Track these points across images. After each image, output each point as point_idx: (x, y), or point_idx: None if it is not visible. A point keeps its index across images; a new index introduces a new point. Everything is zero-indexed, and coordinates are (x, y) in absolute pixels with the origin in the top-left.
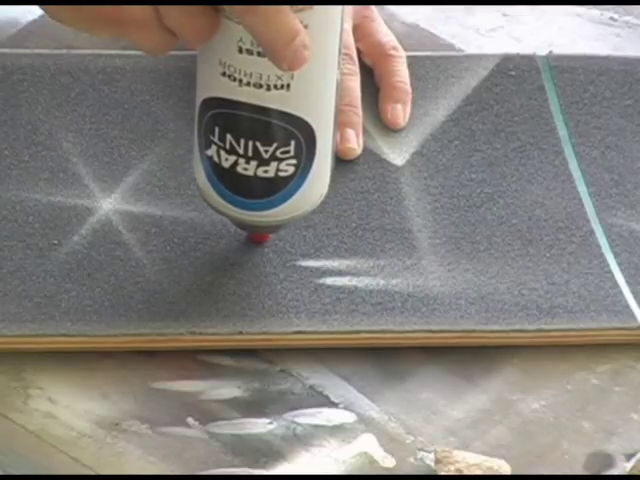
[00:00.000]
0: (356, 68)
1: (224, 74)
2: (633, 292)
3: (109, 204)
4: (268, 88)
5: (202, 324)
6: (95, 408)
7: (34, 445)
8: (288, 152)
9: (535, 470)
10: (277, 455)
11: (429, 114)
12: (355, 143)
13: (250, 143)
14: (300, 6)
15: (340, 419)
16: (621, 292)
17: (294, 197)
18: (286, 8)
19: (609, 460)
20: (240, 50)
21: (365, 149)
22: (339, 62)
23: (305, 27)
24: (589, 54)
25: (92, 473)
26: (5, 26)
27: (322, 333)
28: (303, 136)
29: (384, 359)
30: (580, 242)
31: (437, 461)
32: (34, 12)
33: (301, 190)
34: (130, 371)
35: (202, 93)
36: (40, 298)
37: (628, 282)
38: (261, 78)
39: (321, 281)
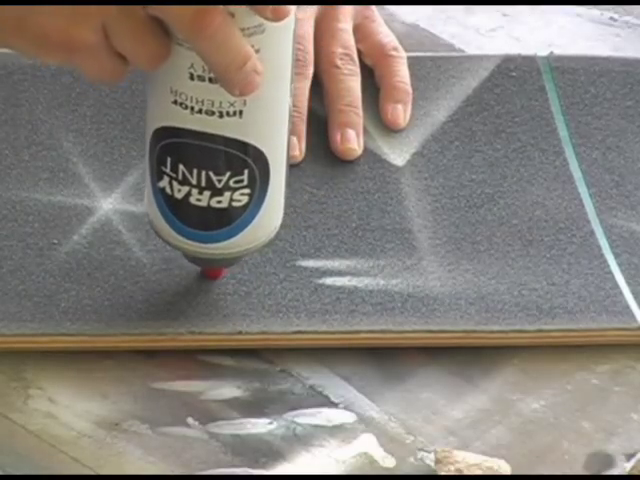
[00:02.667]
0: (357, 69)
1: (175, 102)
2: (633, 293)
3: (109, 204)
4: (220, 115)
5: (202, 324)
6: (95, 408)
7: (34, 445)
8: (242, 181)
9: (535, 470)
10: (277, 455)
11: (430, 115)
12: (355, 143)
13: (203, 173)
14: (251, 29)
15: (340, 419)
16: (621, 293)
17: (248, 228)
18: (237, 32)
19: (609, 460)
20: (191, 77)
21: (365, 149)
22: (291, 88)
23: (257, 52)
24: (590, 55)
25: (92, 473)
26: None
27: (322, 333)
28: (256, 164)
29: (384, 359)
30: (580, 243)
31: (437, 461)
32: None
33: (255, 221)
34: (130, 371)
35: (153, 123)
36: (40, 297)
37: (628, 283)
38: (213, 105)
39: (321, 281)
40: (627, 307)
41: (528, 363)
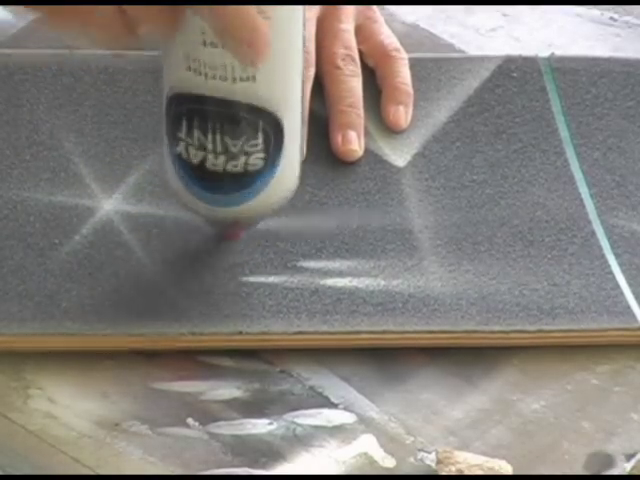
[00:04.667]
0: (358, 69)
1: (189, 68)
2: (634, 293)
3: (110, 204)
4: (234, 81)
5: (203, 324)
6: (95, 408)
7: (34, 445)
8: (256, 145)
9: (535, 470)
10: (277, 455)
11: (431, 115)
12: (357, 144)
13: (218, 138)
14: None
15: (340, 420)
16: (622, 293)
17: (264, 191)
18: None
19: (609, 460)
20: (204, 43)
21: (367, 150)
22: (303, 54)
23: (267, 19)
24: (591, 56)
25: (92, 473)
26: (5, 26)
27: (323, 333)
28: (271, 129)
29: (384, 360)
30: (581, 243)
31: (438, 461)
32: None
33: (271, 184)
34: (130, 371)
35: (168, 90)
36: (41, 297)
37: (629, 283)
38: (226, 70)
39: (322, 282)
40: (628, 307)
41: (528, 363)
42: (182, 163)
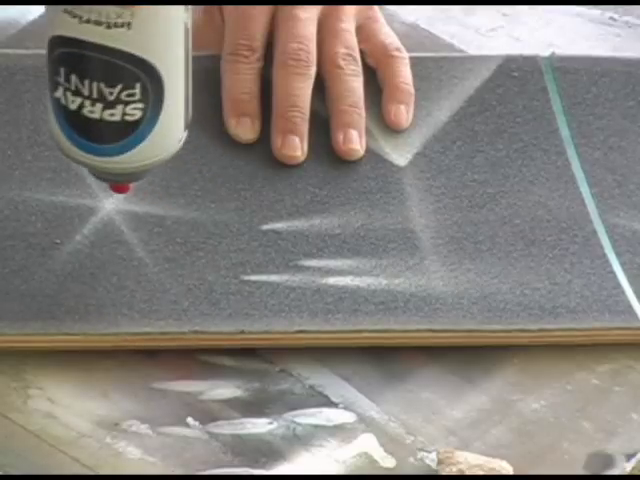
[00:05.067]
0: (359, 69)
1: (65, 11)
2: (636, 292)
3: (111, 204)
4: (108, 26)
5: (204, 323)
6: (95, 408)
7: (34, 445)
8: (134, 95)
9: (535, 470)
10: (277, 455)
11: (432, 115)
12: (358, 144)
13: (95, 85)
14: None
15: (340, 419)
16: (623, 292)
17: (145, 142)
18: None
19: (609, 460)
20: None
21: (368, 150)
22: (187, 11)
23: None
24: (592, 55)
25: (92, 473)
26: (5, 26)
27: (324, 332)
28: (149, 78)
29: (384, 359)
30: (583, 242)
31: (439, 461)
32: (34, 12)
33: (152, 135)
34: (130, 371)
35: (48, 32)
36: (42, 297)
37: (630, 282)
38: (100, 15)
39: (324, 281)
40: (629, 306)
41: (528, 363)
42: (61, 109)
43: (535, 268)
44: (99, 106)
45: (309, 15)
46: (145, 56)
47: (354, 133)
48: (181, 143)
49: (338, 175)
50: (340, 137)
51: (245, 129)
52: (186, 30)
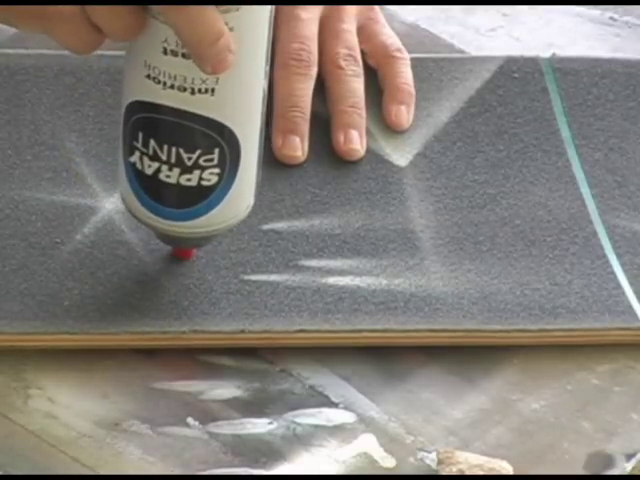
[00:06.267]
0: (360, 70)
1: (148, 76)
2: (636, 293)
3: (112, 203)
4: (192, 92)
5: (204, 322)
6: (95, 408)
7: (34, 445)
8: (212, 160)
9: (535, 470)
10: (277, 455)
11: (432, 116)
12: (358, 144)
13: (173, 149)
14: (226, 6)
15: (340, 419)
16: (624, 293)
17: (217, 208)
18: (212, 8)
19: (609, 460)
20: (165, 51)
21: (368, 150)
22: (266, 70)
23: (231, 29)
24: (592, 56)
25: (92, 473)
26: (5, 26)
27: (324, 332)
28: (227, 144)
29: (384, 359)
30: (583, 243)
31: (439, 461)
32: None
33: (225, 201)
34: (130, 371)
35: (127, 97)
36: (43, 296)
37: (631, 283)
38: (185, 81)
39: (324, 280)
40: (629, 307)
41: (528, 363)
42: (136, 173)
43: (535, 268)
44: (176, 171)
45: (310, 15)
46: (226, 122)
47: (355, 133)
48: (249, 210)
49: (338, 175)
50: (341, 137)
51: None
52: (264, 96)
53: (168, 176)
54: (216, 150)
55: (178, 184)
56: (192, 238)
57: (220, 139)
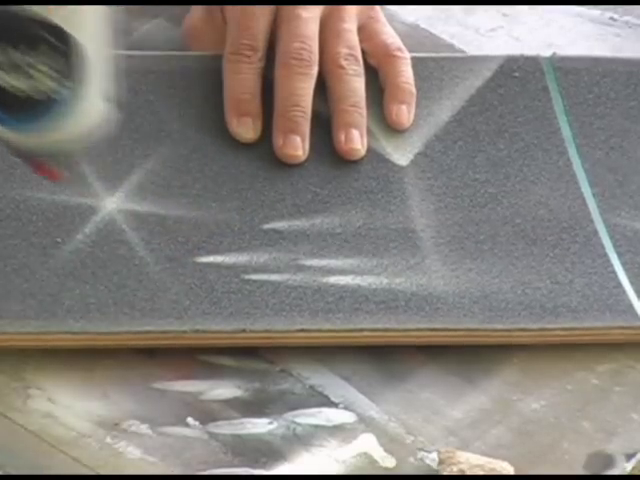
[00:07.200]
0: (361, 69)
1: None
2: (637, 292)
3: (113, 203)
4: None
5: (205, 322)
6: (95, 408)
7: (34, 445)
8: (51, 67)
9: (535, 470)
10: (277, 455)
11: (433, 115)
12: (359, 143)
13: (10, 51)
14: None
15: (340, 419)
16: (625, 292)
17: (61, 119)
18: None
19: (609, 460)
20: None
21: (369, 149)
22: None
23: None
24: (593, 56)
25: (92, 473)
26: None
27: (325, 331)
28: (69, 52)
29: (384, 359)
30: (584, 242)
31: (440, 461)
32: None
33: (70, 113)
34: (130, 371)
35: None
36: (43, 296)
37: (632, 282)
38: None
39: (324, 280)
40: (630, 306)
41: (528, 363)
42: None
43: (536, 267)
44: (13, 76)
45: (311, 15)
46: (65, 26)
47: (356, 133)
48: (99, 123)
49: (339, 175)
50: (342, 137)
51: (246, 129)
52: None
53: (4, 81)
54: (55, 57)
55: (18, 90)
56: (42, 151)
57: (59, 45)
